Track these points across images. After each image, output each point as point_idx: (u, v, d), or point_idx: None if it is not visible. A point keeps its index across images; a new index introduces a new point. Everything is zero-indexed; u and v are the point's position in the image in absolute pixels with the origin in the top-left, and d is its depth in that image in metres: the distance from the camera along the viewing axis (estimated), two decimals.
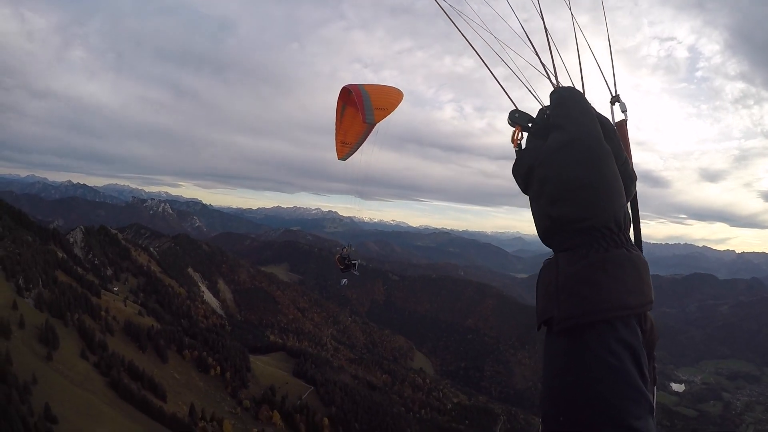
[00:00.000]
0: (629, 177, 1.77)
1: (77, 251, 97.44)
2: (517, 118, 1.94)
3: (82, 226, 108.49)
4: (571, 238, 1.56)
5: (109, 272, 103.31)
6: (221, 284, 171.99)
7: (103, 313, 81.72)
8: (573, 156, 1.61)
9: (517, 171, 1.82)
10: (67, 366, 61.22)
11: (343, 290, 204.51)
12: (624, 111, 2.20)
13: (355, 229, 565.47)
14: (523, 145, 1.90)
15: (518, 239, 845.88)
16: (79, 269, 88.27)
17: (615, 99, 2.22)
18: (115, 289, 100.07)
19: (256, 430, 76.02)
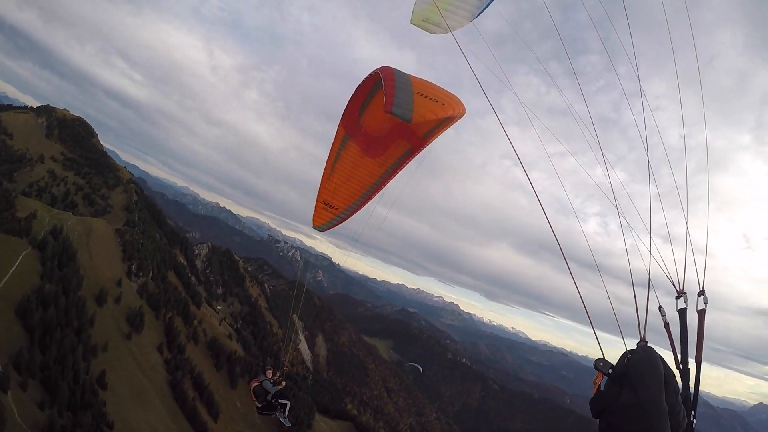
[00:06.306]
0: (676, 416, 2.47)
1: (198, 263, 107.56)
2: (601, 366, 2.76)
3: (210, 243, 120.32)
4: None
5: (220, 291, 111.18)
6: (320, 340, 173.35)
7: (195, 322, 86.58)
8: (635, 416, 2.29)
9: (593, 406, 2.60)
10: (140, 350, 64.96)
11: (414, 371, 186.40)
12: (705, 302, 3.25)
13: (472, 326, 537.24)
14: (602, 387, 2.68)
15: None
16: (192, 278, 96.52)
17: (701, 293, 3.31)
18: (219, 307, 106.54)
19: None
